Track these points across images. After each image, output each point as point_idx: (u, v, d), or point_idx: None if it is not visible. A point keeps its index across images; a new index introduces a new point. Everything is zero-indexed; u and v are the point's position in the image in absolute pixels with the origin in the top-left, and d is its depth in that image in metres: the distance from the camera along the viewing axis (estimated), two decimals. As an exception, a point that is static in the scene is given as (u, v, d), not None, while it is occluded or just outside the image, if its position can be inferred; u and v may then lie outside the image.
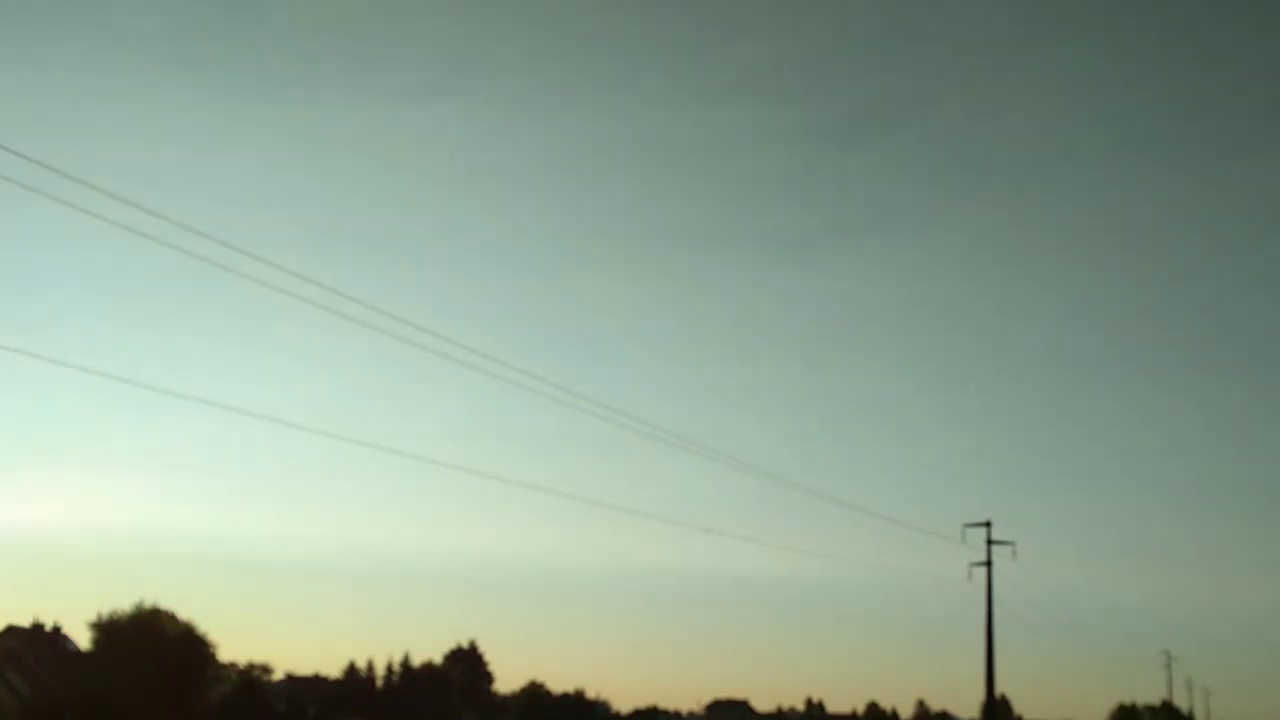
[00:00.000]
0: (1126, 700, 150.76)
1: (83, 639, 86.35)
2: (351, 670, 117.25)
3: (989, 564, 62.57)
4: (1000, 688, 76.06)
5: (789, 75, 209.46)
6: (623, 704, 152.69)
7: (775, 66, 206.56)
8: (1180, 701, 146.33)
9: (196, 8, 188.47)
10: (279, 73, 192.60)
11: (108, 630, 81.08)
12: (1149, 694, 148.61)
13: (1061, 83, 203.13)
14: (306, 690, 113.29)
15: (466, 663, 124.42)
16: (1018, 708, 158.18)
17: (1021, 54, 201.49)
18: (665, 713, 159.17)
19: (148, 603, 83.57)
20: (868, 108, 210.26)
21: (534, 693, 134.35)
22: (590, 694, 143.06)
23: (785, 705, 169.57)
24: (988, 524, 63.88)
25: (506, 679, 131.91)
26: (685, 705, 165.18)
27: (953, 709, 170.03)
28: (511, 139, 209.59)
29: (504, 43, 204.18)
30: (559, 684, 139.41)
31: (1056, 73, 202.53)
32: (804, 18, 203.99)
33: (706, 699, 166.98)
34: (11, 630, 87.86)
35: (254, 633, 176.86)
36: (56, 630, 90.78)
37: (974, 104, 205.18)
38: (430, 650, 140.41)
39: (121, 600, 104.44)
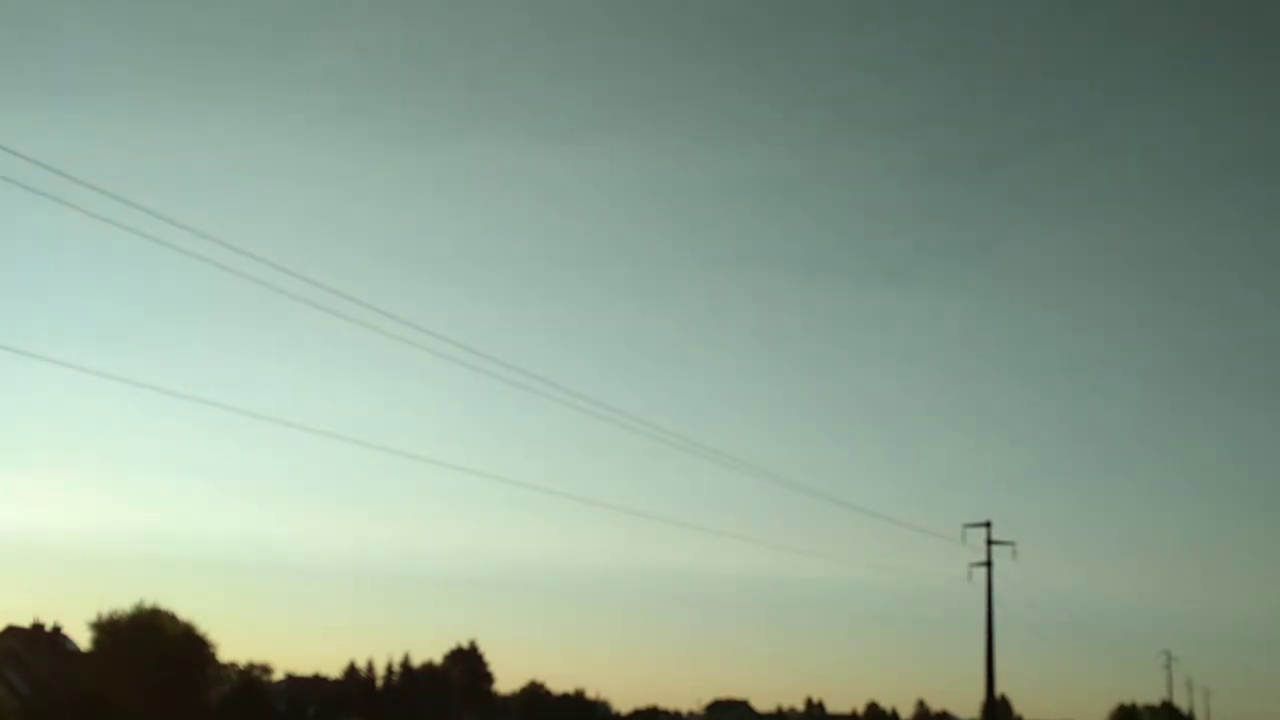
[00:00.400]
0: (1126, 700, 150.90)
1: (83, 639, 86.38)
2: (351, 670, 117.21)
3: (989, 564, 62.57)
4: (1000, 688, 76.16)
5: (907, 114, 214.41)
6: (623, 704, 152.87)
7: (893, 107, 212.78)
8: (1180, 701, 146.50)
9: (373, 55, 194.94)
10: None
11: (108, 630, 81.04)
12: (1149, 694, 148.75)
13: (1165, 126, 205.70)
14: (306, 690, 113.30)
15: (466, 663, 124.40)
16: (1018, 708, 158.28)
17: (1131, 97, 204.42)
18: (665, 713, 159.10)
19: (148, 603, 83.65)
20: (981, 144, 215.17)
21: (534, 693, 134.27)
22: (590, 694, 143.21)
23: (785, 705, 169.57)
24: (988, 524, 63.90)
25: (506, 679, 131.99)
26: (685, 705, 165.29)
27: (953, 709, 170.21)
28: (635, 177, 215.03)
29: (637, 87, 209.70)
30: (559, 684, 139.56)
31: (1163, 115, 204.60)
32: (923, 60, 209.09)
33: (706, 699, 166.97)
34: (11, 630, 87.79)
35: (254, 634, 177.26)
36: (56, 630, 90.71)
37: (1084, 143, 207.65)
38: (430, 650, 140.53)
39: (121, 601, 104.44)
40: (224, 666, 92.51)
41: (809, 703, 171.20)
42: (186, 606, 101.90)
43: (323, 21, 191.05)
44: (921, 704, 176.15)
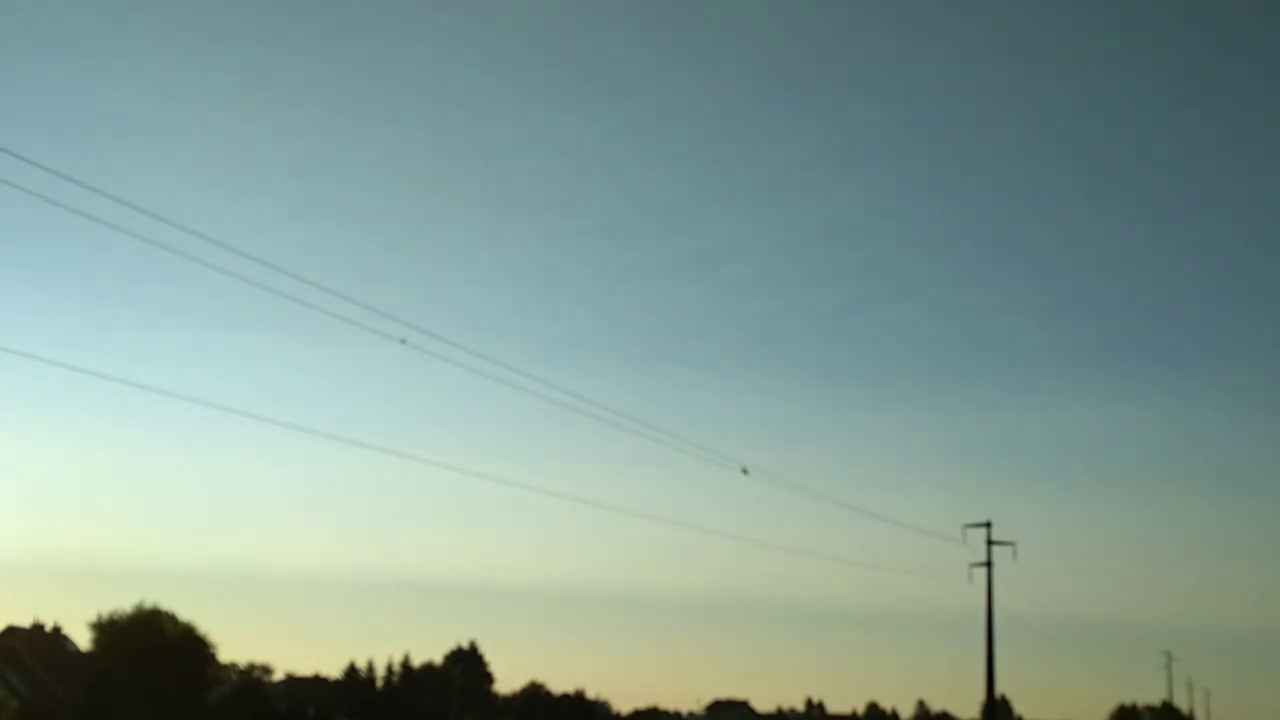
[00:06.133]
0: (1127, 701, 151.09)
1: (83, 639, 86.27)
2: (351, 670, 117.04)
3: (989, 564, 62.56)
4: (1000, 688, 76.14)
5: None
6: (623, 704, 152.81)
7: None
8: (1180, 702, 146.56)
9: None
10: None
11: (108, 630, 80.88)
12: (1149, 694, 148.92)
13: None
14: (306, 690, 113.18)
15: (467, 663, 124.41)
16: (1018, 708, 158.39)
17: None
18: (665, 713, 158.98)
19: (148, 603, 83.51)
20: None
21: (534, 693, 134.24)
22: (590, 694, 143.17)
23: (785, 706, 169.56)
24: (988, 524, 63.90)
25: (507, 679, 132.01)
26: (686, 706, 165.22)
27: (953, 709, 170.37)
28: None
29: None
30: (559, 684, 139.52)
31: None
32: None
33: (707, 699, 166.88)
34: (11, 630, 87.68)
35: (257, 642, 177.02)
36: (56, 630, 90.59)
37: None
38: (430, 651, 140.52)
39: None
40: (224, 667, 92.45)
41: (809, 703, 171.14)
42: (188, 610, 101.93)
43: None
44: (921, 704, 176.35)
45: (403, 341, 32.60)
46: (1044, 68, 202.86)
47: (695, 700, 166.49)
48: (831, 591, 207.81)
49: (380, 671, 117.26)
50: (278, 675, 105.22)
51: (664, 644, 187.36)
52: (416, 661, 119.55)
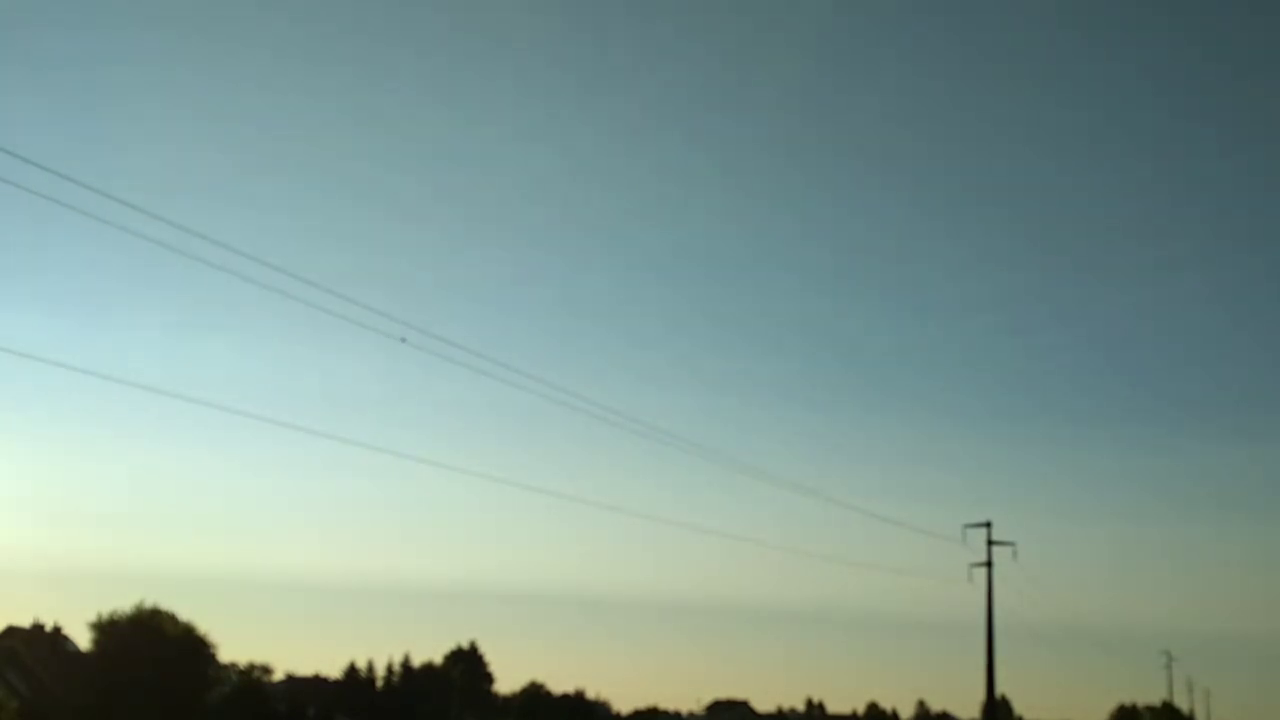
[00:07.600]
0: (1127, 701, 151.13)
1: (83, 639, 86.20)
2: (351, 670, 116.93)
3: (989, 565, 62.57)
4: (1000, 688, 76.16)
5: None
6: (623, 705, 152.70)
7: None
8: (1180, 702, 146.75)
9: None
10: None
11: (108, 630, 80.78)
12: (1149, 695, 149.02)
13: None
14: (306, 690, 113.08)
15: (467, 663, 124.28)
16: (1018, 708, 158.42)
17: None
18: (665, 713, 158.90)
19: (148, 603, 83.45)
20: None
21: (534, 693, 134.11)
22: (591, 694, 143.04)
23: (785, 706, 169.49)
24: (988, 525, 63.93)
25: (507, 679, 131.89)
26: (686, 706, 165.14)
27: (953, 709, 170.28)
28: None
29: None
30: (559, 684, 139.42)
31: None
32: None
33: (707, 699, 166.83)
34: (11, 630, 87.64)
35: (256, 642, 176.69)
36: (56, 630, 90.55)
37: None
38: (430, 651, 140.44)
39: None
40: (224, 667, 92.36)
41: (809, 703, 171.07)
42: (188, 610, 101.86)
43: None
44: (921, 704, 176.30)
45: (403, 341, 32.67)
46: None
47: (695, 700, 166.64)
48: (831, 591, 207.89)
49: (380, 672, 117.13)
50: (278, 675, 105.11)
51: (664, 644, 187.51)
52: (416, 662, 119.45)
